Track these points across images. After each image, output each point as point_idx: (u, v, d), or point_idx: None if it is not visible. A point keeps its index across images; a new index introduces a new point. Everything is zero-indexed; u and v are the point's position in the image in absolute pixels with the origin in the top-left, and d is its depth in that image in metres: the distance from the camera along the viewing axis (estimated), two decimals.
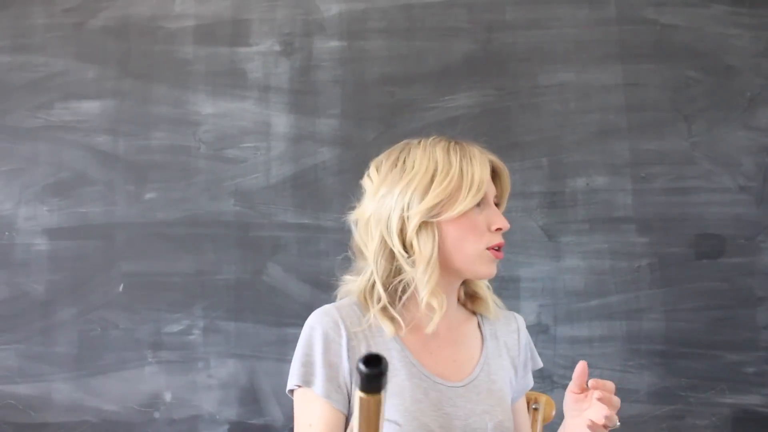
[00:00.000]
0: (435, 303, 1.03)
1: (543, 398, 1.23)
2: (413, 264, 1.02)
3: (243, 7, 1.84)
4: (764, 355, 1.70)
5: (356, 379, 0.63)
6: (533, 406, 1.22)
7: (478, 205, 1.04)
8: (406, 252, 1.03)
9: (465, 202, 1.01)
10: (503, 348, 1.12)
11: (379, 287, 1.03)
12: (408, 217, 1.01)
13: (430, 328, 1.03)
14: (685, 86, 1.76)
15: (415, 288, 1.04)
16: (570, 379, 0.93)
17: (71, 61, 1.83)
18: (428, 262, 1.02)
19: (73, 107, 1.82)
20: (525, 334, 1.16)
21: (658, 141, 1.75)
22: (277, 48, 1.82)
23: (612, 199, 1.75)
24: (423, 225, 1.02)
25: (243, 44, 1.83)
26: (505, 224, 1.05)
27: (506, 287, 1.72)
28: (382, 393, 0.64)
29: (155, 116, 1.81)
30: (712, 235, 1.73)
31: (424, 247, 1.02)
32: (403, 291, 1.04)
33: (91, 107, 1.82)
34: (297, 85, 1.81)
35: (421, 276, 1.02)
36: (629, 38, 1.78)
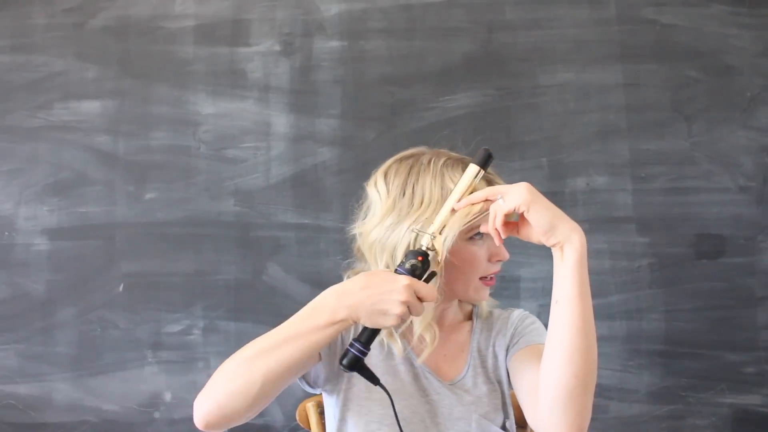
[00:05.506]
0: (428, 337, 1.06)
1: None
2: None
3: (243, 7, 1.84)
4: (764, 355, 1.70)
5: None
6: None
7: (481, 235, 1.03)
8: None
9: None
10: (494, 337, 1.13)
11: None
12: None
13: (420, 360, 1.07)
14: (685, 86, 1.76)
15: (411, 320, 1.04)
16: None
17: (71, 61, 1.83)
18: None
19: (73, 107, 1.82)
20: (516, 316, 1.14)
21: (658, 141, 1.75)
22: (277, 48, 1.82)
23: (612, 199, 1.75)
24: None
25: (243, 44, 1.83)
26: (505, 256, 1.05)
27: (506, 287, 1.73)
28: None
29: (155, 116, 1.81)
30: (712, 235, 1.73)
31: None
32: None
33: (91, 107, 1.82)
34: (297, 85, 1.81)
35: None
36: (629, 38, 1.78)
